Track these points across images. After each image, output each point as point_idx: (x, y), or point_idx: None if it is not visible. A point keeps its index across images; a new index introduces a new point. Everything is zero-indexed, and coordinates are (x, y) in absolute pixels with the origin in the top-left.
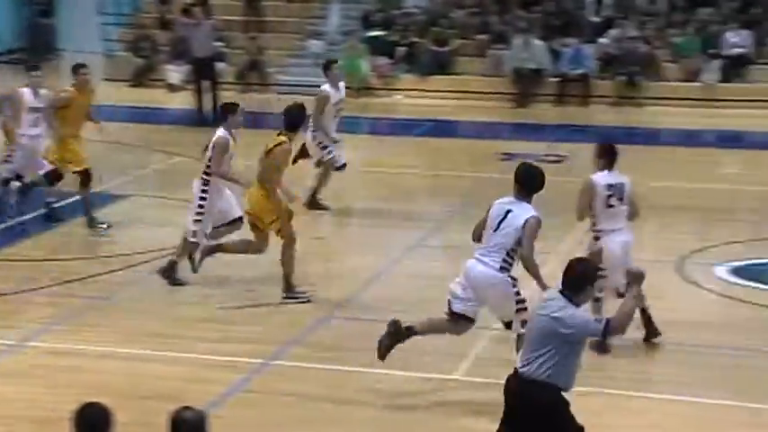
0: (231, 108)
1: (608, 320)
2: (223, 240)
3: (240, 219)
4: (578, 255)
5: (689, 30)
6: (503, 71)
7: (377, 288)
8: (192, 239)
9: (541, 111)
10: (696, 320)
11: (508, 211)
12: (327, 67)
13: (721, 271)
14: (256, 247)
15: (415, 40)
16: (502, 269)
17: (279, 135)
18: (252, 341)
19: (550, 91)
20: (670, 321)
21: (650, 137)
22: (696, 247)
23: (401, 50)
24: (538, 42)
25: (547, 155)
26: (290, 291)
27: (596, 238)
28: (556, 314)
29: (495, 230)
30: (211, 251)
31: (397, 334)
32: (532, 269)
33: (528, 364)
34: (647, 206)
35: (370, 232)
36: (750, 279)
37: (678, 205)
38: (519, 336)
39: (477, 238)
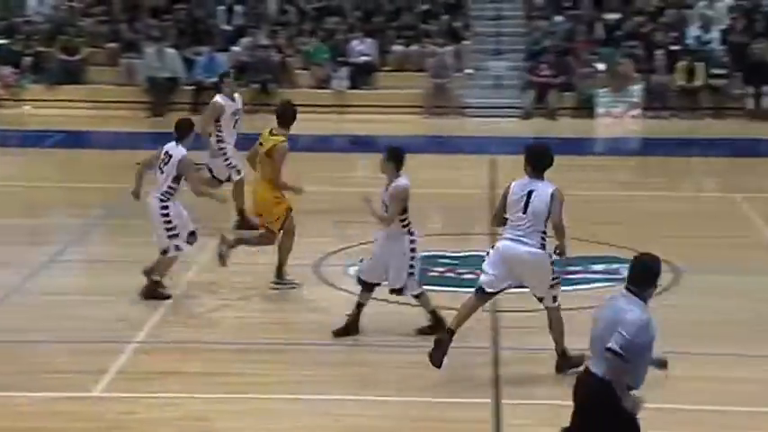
0: (191, 125)
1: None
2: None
3: (194, 233)
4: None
5: (318, 38)
6: (136, 80)
7: (10, 307)
8: (173, 254)
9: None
10: (334, 321)
11: (530, 192)
12: (220, 79)
13: (356, 271)
14: (267, 240)
15: (42, 49)
16: (543, 247)
17: (271, 134)
18: None
19: (185, 99)
20: (309, 322)
21: None
22: (332, 249)
23: (27, 60)
24: (170, 51)
25: None
26: (280, 278)
27: (411, 233)
28: (619, 315)
29: (525, 212)
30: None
31: (444, 343)
32: (563, 233)
33: (596, 364)
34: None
35: (2, 250)
36: None
37: (314, 209)
38: (549, 309)
39: (499, 222)
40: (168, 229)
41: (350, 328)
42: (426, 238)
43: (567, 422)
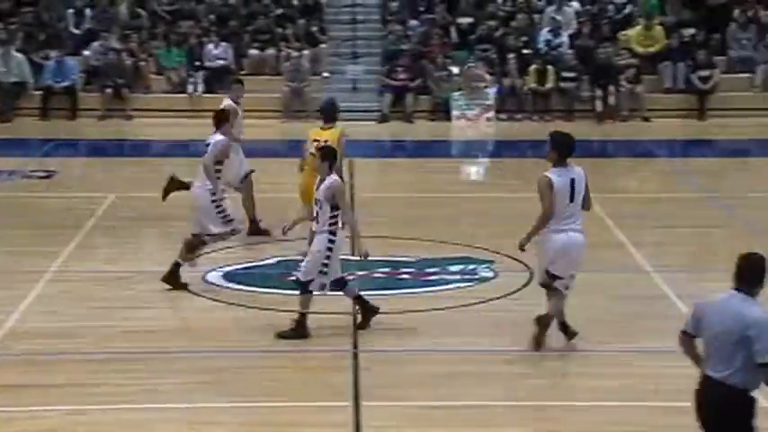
0: (226, 113)
1: None
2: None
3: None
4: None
5: (171, 42)
6: None
7: None
8: (210, 239)
9: (25, 125)
10: (193, 327)
11: (572, 180)
12: (232, 82)
13: (215, 277)
14: None
15: None
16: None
17: (326, 128)
18: None
19: (34, 105)
20: (167, 330)
21: (140, 149)
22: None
23: None
24: (17, 55)
25: (33, 171)
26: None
27: (332, 233)
28: (744, 316)
29: (572, 201)
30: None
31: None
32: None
33: (718, 368)
34: (143, 217)
35: None
36: (242, 283)
37: (172, 215)
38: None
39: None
40: (223, 217)
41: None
42: (287, 242)
43: (427, 421)
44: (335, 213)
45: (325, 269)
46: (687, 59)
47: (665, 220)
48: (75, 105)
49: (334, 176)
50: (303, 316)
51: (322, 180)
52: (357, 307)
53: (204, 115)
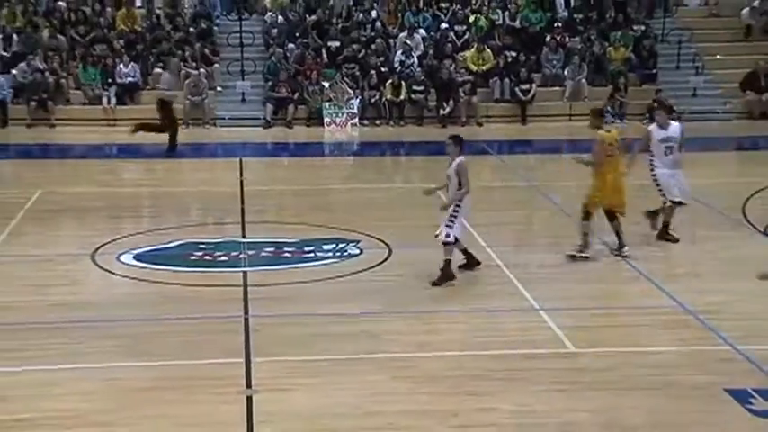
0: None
1: None
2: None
3: (679, 203)
4: None
5: (88, 62)
6: None
7: None
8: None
9: None
10: (111, 300)
11: None
12: (651, 110)
13: (128, 258)
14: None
15: None
16: None
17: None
18: None
19: None
20: (89, 303)
21: (62, 152)
22: (106, 240)
23: None
24: None
25: None
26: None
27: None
28: None
29: None
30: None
31: None
32: None
33: None
34: (65, 209)
35: None
36: (150, 262)
37: (90, 207)
38: None
39: None
40: (659, 188)
41: (470, 263)
42: (188, 228)
43: (305, 372)
44: (461, 186)
45: (451, 223)
46: (511, 76)
47: (496, 205)
48: (6, 116)
49: (461, 157)
50: (448, 263)
51: (453, 160)
52: (464, 257)
53: (116, 124)
